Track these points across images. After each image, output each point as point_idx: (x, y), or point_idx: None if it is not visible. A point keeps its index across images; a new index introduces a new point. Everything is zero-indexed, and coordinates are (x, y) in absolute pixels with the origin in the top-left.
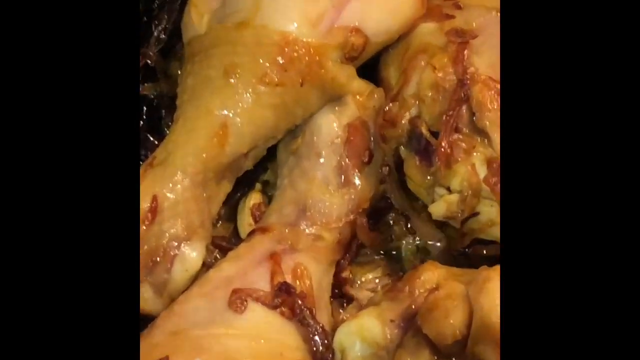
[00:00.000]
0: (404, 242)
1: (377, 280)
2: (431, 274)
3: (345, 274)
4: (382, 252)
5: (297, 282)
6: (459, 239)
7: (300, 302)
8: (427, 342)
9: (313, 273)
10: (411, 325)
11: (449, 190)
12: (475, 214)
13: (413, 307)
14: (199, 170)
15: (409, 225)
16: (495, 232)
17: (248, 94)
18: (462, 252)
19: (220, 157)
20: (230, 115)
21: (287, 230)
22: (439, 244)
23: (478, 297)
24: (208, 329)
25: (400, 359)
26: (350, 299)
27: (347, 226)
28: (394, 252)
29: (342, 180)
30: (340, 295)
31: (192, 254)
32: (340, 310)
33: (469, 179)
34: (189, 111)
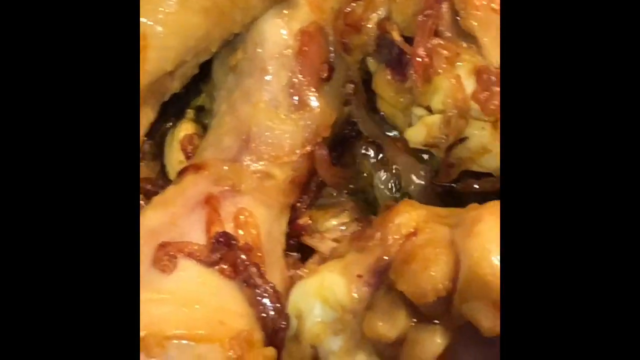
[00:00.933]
0: (375, 178)
1: (342, 228)
2: (408, 216)
3: (303, 221)
4: (348, 191)
5: (240, 232)
6: (444, 171)
7: (244, 257)
8: (403, 301)
9: (261, 220)
10: (383, 281)
11: (429, 110)
12: (462, 139)
13: (385, 258)
14: None
15: (381, 157)
16: (489, 162)
17: None
18: (448, 188)
19: (138, 77)
20: (150, 23)
21: (226, 168)
22: (419, 179)
23: (466, 243)
24: None
25: (371, 324)
26: (309, 252)
27: (304, 160)
28: (364, 192)
29: (295, 102)
30: (297, 247)
31: None
32: (297, 266)
33: (453, 95)
34: None
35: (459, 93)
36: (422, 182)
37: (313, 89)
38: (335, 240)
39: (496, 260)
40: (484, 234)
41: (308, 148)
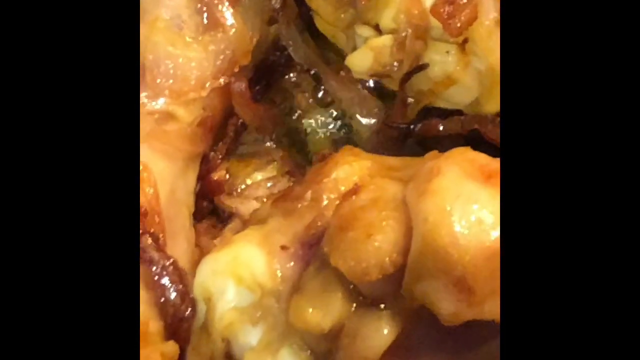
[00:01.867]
0: (311, 119)
1: (270, 184)
2: (349, 168)
3: (219, 176)
4: (277, 137)
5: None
6: (399, 109)
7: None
8: (340, 280)
9: (160, 176)
10: (315, 254)
11: (377, 30)
12: (421, 67)
13: (318, 224)
14: None
15: (320, 92)
16: (456, 95)
17: None
18: (405, 132)
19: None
20: None
21: None
22: (368, 120)
23: (420, 202)
24: None
25: (299, 310)
26: (228, 217)
27: (216, 96)
28: (297, 137)
29: (204, 19)
30: (212, 210)
31: None
32: (209, 235)
33: (407, 9)
34: None
35: (414, 7)
36: (371, 124)
37: (227, 3)
38: (261, 199)
39: (459, 226)
40: (442, 191)
41: (222, 80)
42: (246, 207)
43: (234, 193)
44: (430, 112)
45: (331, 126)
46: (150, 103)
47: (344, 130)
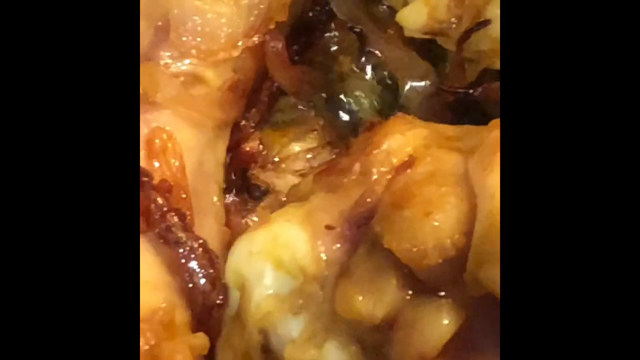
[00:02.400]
0: (356, 83)
1: (309, 156)
2: (402, 138)
3: (251, 146)
4: (317, 103)
5: (156, 164)
6: (456, 71)
7: (160, 200)
8: (394, 264)
9: (187, 146)
10: (364, 234)
11: None
12: (483, 23)
13: (368, 200)
14: None
15: (365, 52)
16: None
17: None
18: (462, 96)
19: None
20: None
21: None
22: (420, 84)
23: (486, 177)
24: None
25: (347, 298)
26: (261, 192)
27: (249, 56)
28: (339, 103)
29: None
30: (244, 184)
31: None
32: (242, 215)
33: None
34: None
35: None
36: (425, 89)
37: None
38: (299, 173)
39: None
40: None
41: (255, 38)
42: (282, 181)
43: (269, 166)
44: (491, 75)
45: (377, 91)
46: (176, 64)
47: (391, 96)
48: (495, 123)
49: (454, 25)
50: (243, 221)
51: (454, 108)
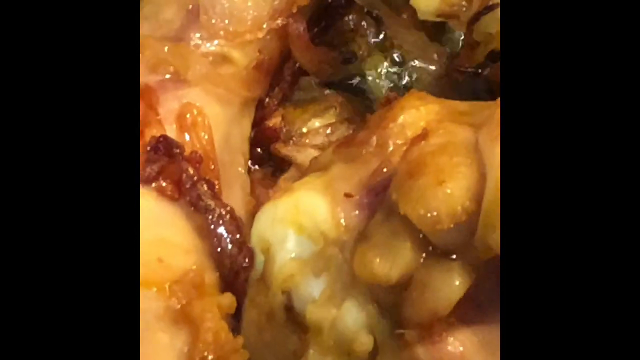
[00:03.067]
0: (372, 63)
1: (328, 131)
2: (416, 113)
3: (275, 122)
4: (335, 82)
5: (187, 137)
6: (466, 52)
7: (191, 170)
8: (409, 229)
9: (215, 121)
10: (381, 201)
11: None
12: (491, 7)
13: (384, 170)
14: None
15: (381, 35)
16: None
17: None
18: (472, 75)
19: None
20: None
21: (167, 49)
22: (432, 65)
23: (495, 147)
24: None
25: (365, 261)
26: (284, 165)
27: (273, 38)
28: (356, 82)
29: None
30: (267, 158)
31: None
32: (267, 185)
33: None
34: None
35: None
36: (436, 68)
37: None
38: (318, 147)
39: None
40: None
41: (279, 21)
42: (303, 155)
43: (291, 141)
44: (496, 55)
45: (394, 71)
46: (205, 44)
47: (404, 75)
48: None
49: (464, 9)
50: (267, 191)
51: (461, 91)
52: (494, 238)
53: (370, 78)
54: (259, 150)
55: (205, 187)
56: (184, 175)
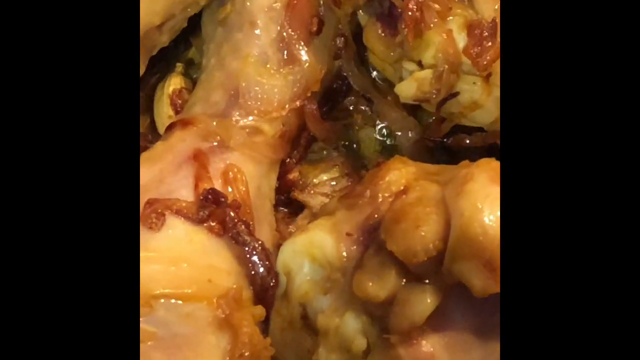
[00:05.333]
0: (366, 133)
1: (333, 183)
2: (398, 173)
3: (294, 176)
4: (338, 146)
5: (229, 189)
6: (435, 126)
7: (233, 214)
8: (393, 260)
9: (250, 176)
10: (373, 239)
11: (420, 65)
12: (454, 95)
13: (375, 216)
14: None
15: (372, 112)
16: (480, 117)
17: None
18: (439, 144)
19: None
20: None
21: (215, 123)
22: (410, 134)
23: (457, 201)
24: None
25: (360, 284)
26: (300, 208)
27: (293, 115)
28: (354, 147)
29: (285, 56)
30: (288, 202)
31: None
32: (287, 222)
33: (444, 49)
34: None
35: (450, 48)
36: (413, 136)
37: (302, 43)
38: (326, 195)
39: (488, 220)
40: (474, 193)
41: (297, 103)
42: (315, 200)
43: (305, 190)
44: (459, 129)
45: (381, 139)
46: (243, 120)
47: (389, 142)
48: (464, 163)
49: (434, 96)
50: (288, 227)
51: (433, 153)
52: (456, 268)
53: (363, 144)
54: (282, 197)
55: (243, 226)
56: (227, 217)
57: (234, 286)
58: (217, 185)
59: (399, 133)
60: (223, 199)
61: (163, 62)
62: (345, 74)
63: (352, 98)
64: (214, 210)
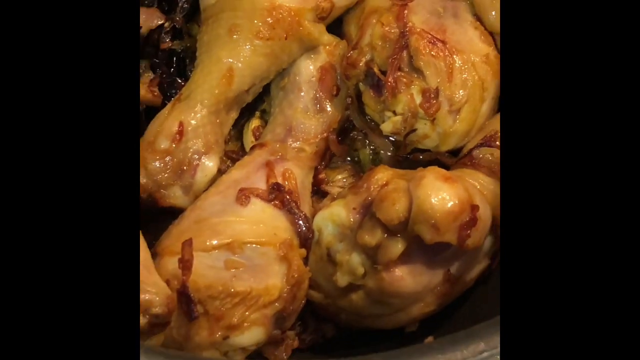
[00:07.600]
0: (363, 152)
1: (344, 180)
2: (382, 174)
3: (321, 176)
4: (347, 159)
5: (286, 183)
6: (402, 148)
7: (288, 197)
8: (380, 223)
9: (297, 176)
10: (368, 211)
11: (394, 113)
12: (413, 130)
13: (369, 198)
14: (213, 103)
15: (367, 140)
16: (428, 143)
17: (247, 46)
18: (405, 158)
19: (228, 93)
20: (235, 62)
21: (278, 145)
22: (388, 153)
23: (416, 190)
24: (222, 217)
25: (361, 236)
26: (325, 194)
27: (322, 141)
28: (356, 159)
29: (318, 107)
30: (318, 191)
31: (209, 164)
32: (318, 202)
33: (408, 105)
34: (205, 60)
35: (412, 104)
36: (390, 154)
37: (328, 101)
38: (340, 187)
39: (434, 200)
40: (426, 185)
41: (325, 134)
42: (333, 190)
43: (328, 184)
44: (416, 150)
45: (372, 155)
46: (294, 144)
47: (376, 157)
48: (420, 169)
49: (402, 130)
50: (318, 205)
51: (402, 164)
52: (416, 228)
53: (362, 158)
54: (315, 188)
55: (294, 204)
56: (285, 199)
57: (289, 237)
58: (279, 180)
59: (382, 152)
60: (283, 188)
61: (248, 111)
62: (351, 118)
63: (355, 132)
64: (277, 194)
